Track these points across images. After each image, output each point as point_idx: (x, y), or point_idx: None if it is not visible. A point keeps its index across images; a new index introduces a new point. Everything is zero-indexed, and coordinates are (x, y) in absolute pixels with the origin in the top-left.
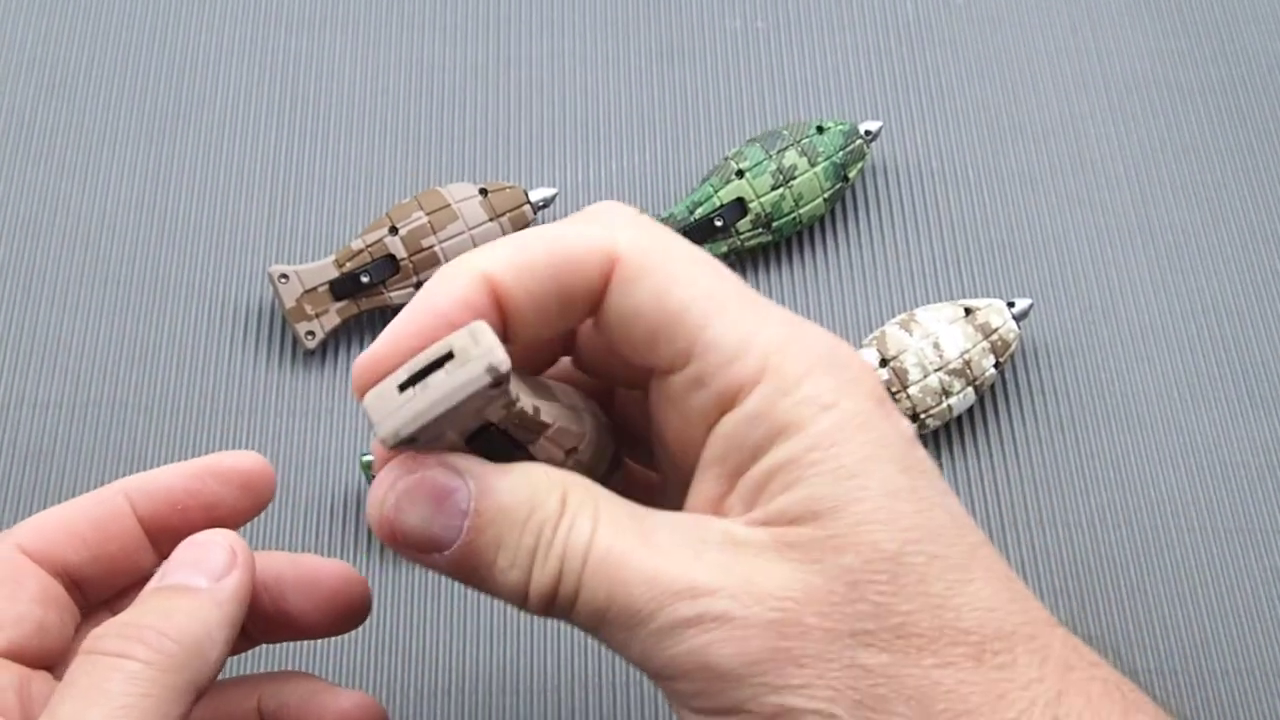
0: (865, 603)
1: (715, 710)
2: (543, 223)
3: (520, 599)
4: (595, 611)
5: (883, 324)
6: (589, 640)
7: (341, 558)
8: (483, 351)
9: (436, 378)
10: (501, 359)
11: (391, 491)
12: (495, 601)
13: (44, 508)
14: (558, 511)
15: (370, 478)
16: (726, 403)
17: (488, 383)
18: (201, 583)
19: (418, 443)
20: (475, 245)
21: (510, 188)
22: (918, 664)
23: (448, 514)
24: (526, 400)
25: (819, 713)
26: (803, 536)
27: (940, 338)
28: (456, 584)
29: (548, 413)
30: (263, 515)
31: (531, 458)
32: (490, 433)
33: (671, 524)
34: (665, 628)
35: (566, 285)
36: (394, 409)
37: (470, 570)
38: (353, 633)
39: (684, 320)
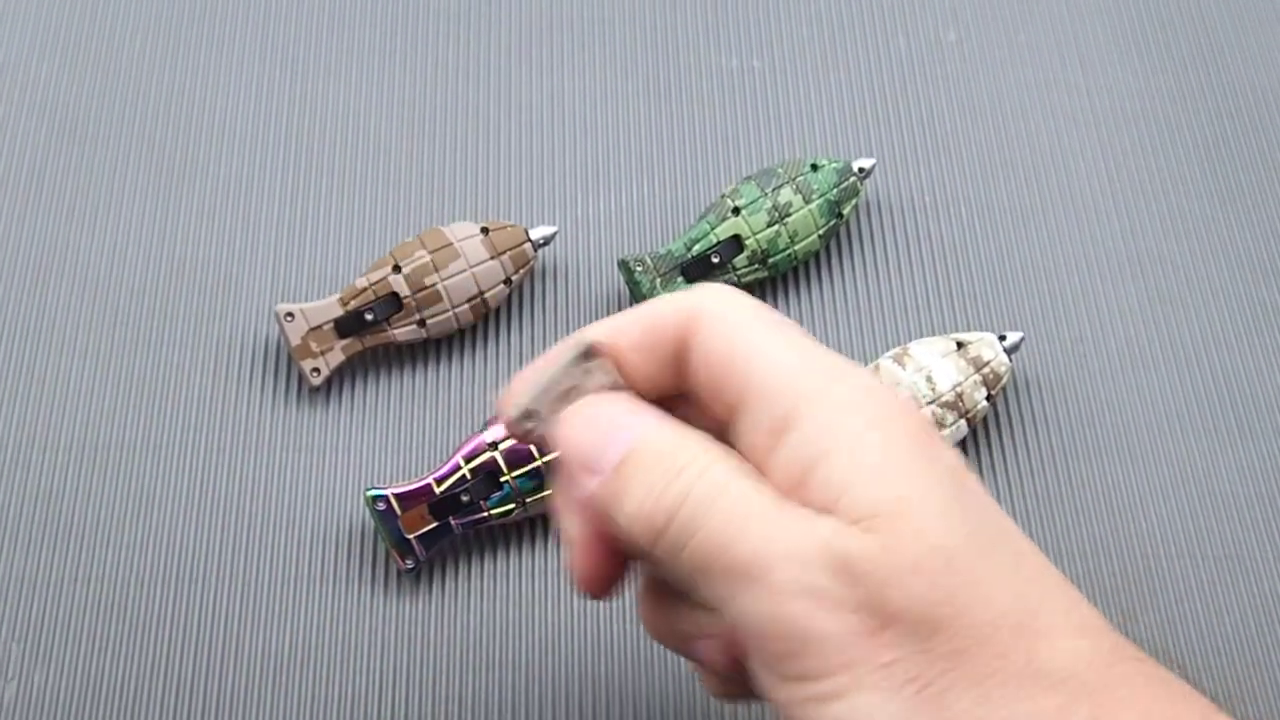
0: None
1: (804, 674)
2: (543, 261)
3: (637, 523)
4: (707, 554)
5: (877, 358)
6: (596, 671)
7: (348, 592)
8: (580, 337)
9: None
10: (592, 337)
11: (577, 415)
12: (502, 632)
13: (56, 548)
14: (699, 459)
15: (374, 512)
16: (775, 439)
17: (578, 351)
18: None
19: (537, 419)
20: (477, 283)
21: (511, 226)
22: (982, 658)
23: (613, 442)
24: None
25: (887, 698)
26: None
27: (933, 371)
28: (461, 617)
29: None
30: (270, 549)
31: None
32: None
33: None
34: (772, 589)
35: (657, 339)
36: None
37: (612, 498)
38: (359, 661)
39: (734, 369)
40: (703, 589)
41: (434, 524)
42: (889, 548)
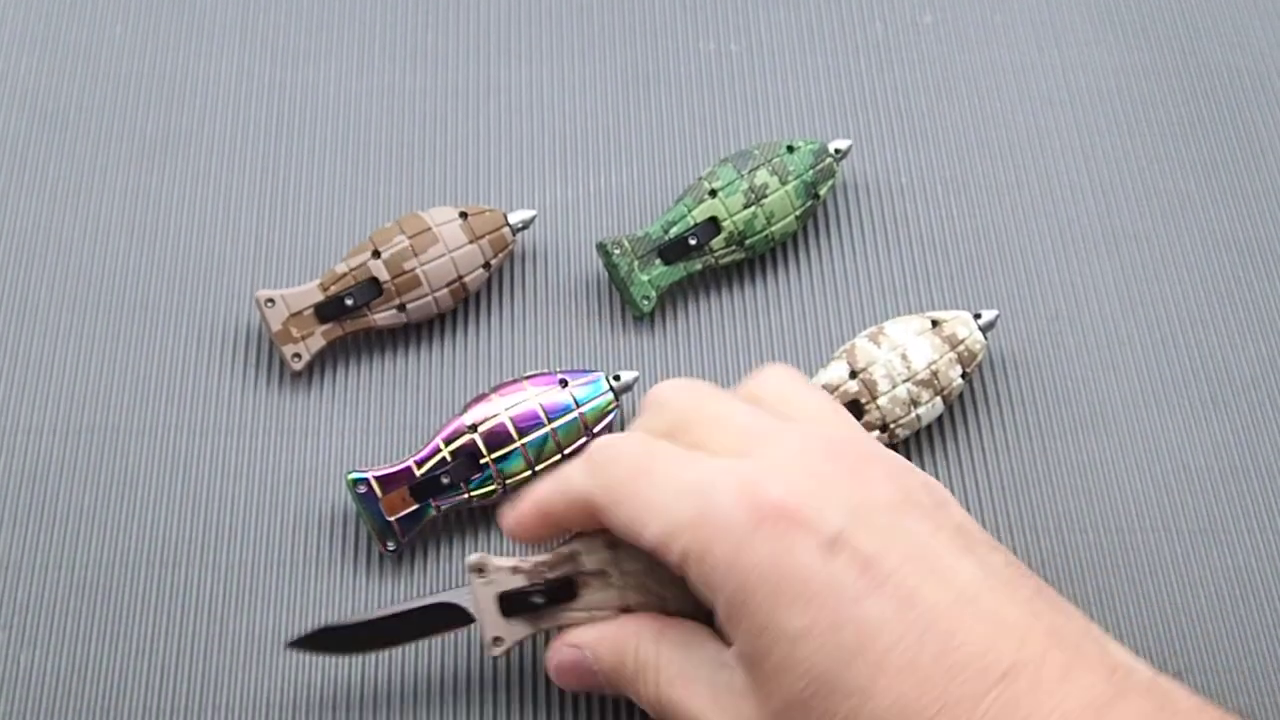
0: None
1: None
2: (522, 245)
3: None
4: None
5: (853, 337)
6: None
7: (329, 573)
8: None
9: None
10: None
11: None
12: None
13: (40, 531)
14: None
15: (355, 494)
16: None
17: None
18: None
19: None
20: (456, 267)
21: (490, 210)
22: None
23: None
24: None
25: None
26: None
27: (908, 349)
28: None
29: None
30: (251, 533)
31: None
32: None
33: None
34: None
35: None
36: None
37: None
38: (340, 658)
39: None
40: None
41: (415, 506)
42: None
